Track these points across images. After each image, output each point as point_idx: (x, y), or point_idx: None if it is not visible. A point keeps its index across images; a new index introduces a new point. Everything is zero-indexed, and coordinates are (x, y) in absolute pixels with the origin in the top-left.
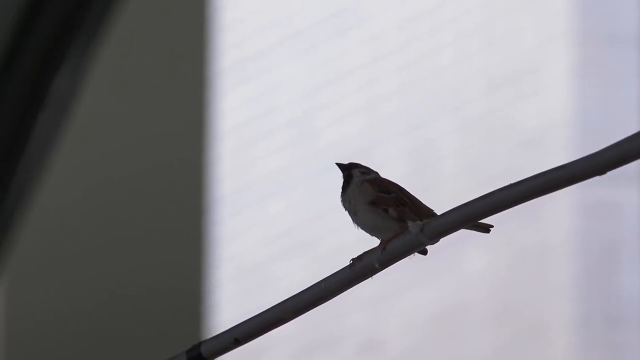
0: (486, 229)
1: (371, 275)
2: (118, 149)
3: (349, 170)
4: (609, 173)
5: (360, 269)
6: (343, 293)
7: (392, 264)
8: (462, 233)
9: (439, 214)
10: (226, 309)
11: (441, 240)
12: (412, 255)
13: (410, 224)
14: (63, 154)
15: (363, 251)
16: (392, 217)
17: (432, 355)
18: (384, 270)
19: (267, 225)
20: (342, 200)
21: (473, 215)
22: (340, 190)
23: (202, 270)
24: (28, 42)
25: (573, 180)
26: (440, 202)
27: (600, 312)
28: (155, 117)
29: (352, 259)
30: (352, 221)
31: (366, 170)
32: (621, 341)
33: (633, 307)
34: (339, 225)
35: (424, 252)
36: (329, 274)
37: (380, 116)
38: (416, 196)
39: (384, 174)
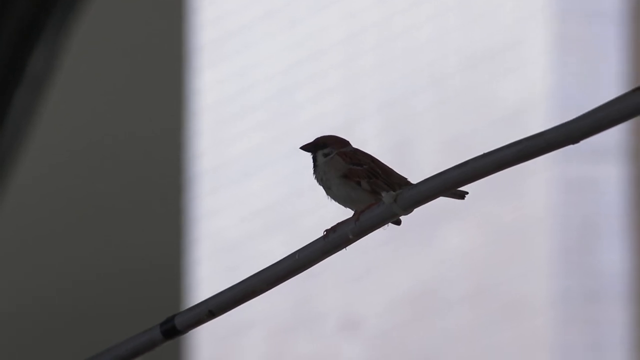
0: (461, 195)
1: (345, 246)
2: (95, 126)
3: (314, 154)
4: (589, 148)
5: (334, 240)
6: (323, 272)
7: (365, 235)
8: (441, 210)
9: (412, 183)
10: (205, 286)
11: (419, 217)
12: (386, 225)
13: (383, 194)
14: (41, 134)
15: (337, 222)
16: (365, 189)
17: (411, 332)
18: (362, 249)
19: (246, 202)
20: (315, 177)
21: (447, 185)
22: (313, 168)
23: (181, 247)
24: (4, 20)
25: (547, 148)
26: (419, 178)
27: (579, 288)
28: (133, 94)
29: (326, 230)
30: (326, 195)
31: (330, 151)
32: (600, 317)
33: (612, 282)
34: (317, 202)
35: (398, 223)
36: (303, 246)
37: (358, 93)
38: (390, 166)
39: (363, 149)
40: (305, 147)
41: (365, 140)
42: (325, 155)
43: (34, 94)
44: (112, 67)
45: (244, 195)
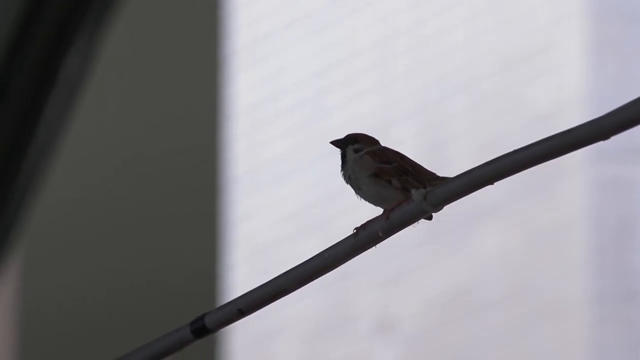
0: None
1: (375, 244)
2: (131, 132)
3: (343, 149)
4: (624, 148)
5: (364, 238)
6: (357, 273)
7: (395, 232)
8: (476, 211)
9: (442, 177)
10: (241, 289)
11: (454, 218)
12: (416, 223)
13: (413, 191)
14: (76, 139)
15: (367, 220)
16: (396, 187)
17: (447, 334)
18: (397, 251)
19: (280, 205)
20: (343, 176)
21: (477, 182)
22: (340, 167)
23: (217, 251)
24: (38, 23)
25: (577, 145)
26: None
27: (615, 288)
28: (168, 99)
29: (356, 228)
30: (356, 195)
31: (361, 147)
32: (637, 317)
33: None
34: (350, 205)
35: (430, 218)
36: (333, 244)
37: (391, 96)
38: (419, 163)
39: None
40: (335, 142)
41: (399, 143)
42: (356, 150)
43: (67, 98)
44: (147, 74)
45: (277, 199)
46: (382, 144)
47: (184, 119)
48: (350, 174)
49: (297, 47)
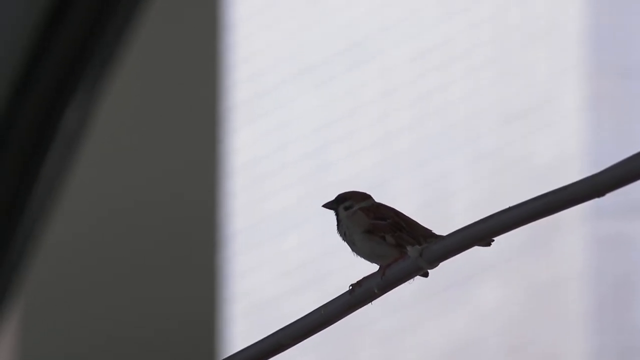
0: (487, 242)
1: (370, 301)
2: (132, 184)
3: (335, 209)
4: (623, 204)
5: (360, 295)
6: (358, 329)
7: (391, 289)
8: (476, 267)
9: (437, 234)
10: (240, 344)
11: (454, 274)
12: (412, 280)
13: (409, 248)
14: (76, 191)
15: (362, 277)
16: (390, 243)
17: None
18: (398, 305)
19: (280, 260)
20: (338, 232)
21: (472, 239)
22: (336, 225)
23: (216, 305)
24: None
25: (572, 202)
26: None
27: (614, 345)
28: (168, 153)
29: (352, 285)
30: (351, 251)
31: (351, 204)
32: None
33: None
34: (351, 260)
35: (425, 275)
36: (329, 300)
37: (392, 151)
38: (414, 219)
39: (397, 208)
40: (327, 205)
41: (399, 198)
42: (346, 208)
43: (67, 151)
44: (148, 127)
45: (277, 253)
46: (383, 198)
47: (184, 172)
48: (345, 231)
49: (298, 101)
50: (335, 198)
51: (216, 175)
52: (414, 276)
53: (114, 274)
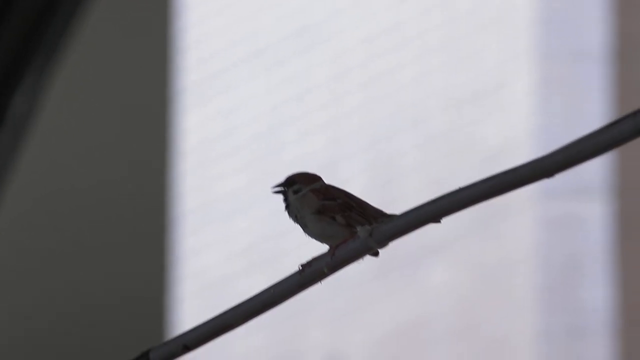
0: (437, 220)
1: (320, 280)
2: (83, 164)
3: (285, 193)
4: (572, 186)
5: (310, 274)
6: (307, 310)
7: (340, 269)
8: (424, 248)
9: (389, 214)
10: (189, 324)
11: (402, 255)
12: (361, 259)
13: (358, 228)
14: (26, 166)
15: (312, 257)
16: (340, 223)
17: None
18: (346, 286)
19: (230, 241)
20: (289, 216)
21: (422, 219)
22: (285, 208)
23: (166, 285)
24: None
25: (522, 182)
26: None
27: (563, 325)
28: (119, 134)
29: (301, 265)
30: (304, 233)
31: (299, 188)
32: (584, 354)
33: (596, 319)
34: (301, 241)
35: (376, 255)
36: (278, 280)
37: (342, 132)
38: (365, 200)
39: (347, 189)
40: (275, 188)
41: (349, 179)
42: (295, 192)
43: (16, 136)
44: (96, 108)
45: (227, 235)
46: (333, 179)
47: (134, 154)
48: (295, 214)
49: (249, 84)
50: (284, 181)
51: (166, 156)
52: (364, 256)
53: (61, 255)
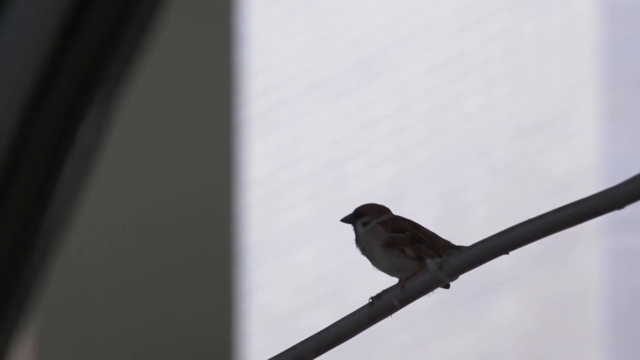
0: (505, 252)
1: (390, 314)
2: (147, 199)
3: (354, 224)
4: (638, 218)
5: (380, 307)
6: (376, 342)
7: (411, 302)
8: (493, 280)
9: (457, 245)
10: (256, 359)
11: (471, 287)
12: (432, 292)
13: (428, 261)
14: (91, 206)
15: (382, 290)
16: (410, 256)
17: None
18: (414, 318)
19: (295, 274)
20: (357, 247)
21: (492, 251)
22: (354, 239)
23: (232, 320)
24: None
25: (592, 214)
26: None
27: (631, 358)
28: (183, 168)
29: (371, 298)
30: (372, 266)
31: (368, 220)
32: None
33: None
34: (367, 273)
35: (447, 287)
36: (349, 313)
37: (408, 164)
38: (433, 231)
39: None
40: (345, 219)
41: (415, 211)
42: (364, 224)
43: (83, 165)
44: (163, 141)
45: (293, 267)
46: (399, 211)
47: (198, 187)
48: (364, 246)
49: (313, 115)
50: (353, 212)
51: (231, 189)
52: (434, 289)
53: (130, 290)
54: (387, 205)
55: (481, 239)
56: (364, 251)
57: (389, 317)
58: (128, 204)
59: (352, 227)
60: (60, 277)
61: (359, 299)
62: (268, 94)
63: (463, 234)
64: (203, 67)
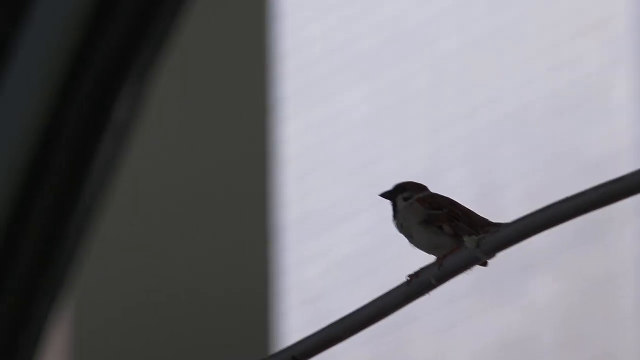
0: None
1: (428, 292)
2: (182, 177)
3: (393, 199)
4: None
5: (417, 286)
6: (411, 322)
7: (449, 280)
8: (528, 261)
9: (495, 223)
10: (293, 337)
11: (506, 267)
12: (470, 270)
13: (466, 239)
14: (125, 185)
15: (420, 268)
16: (448, 233)
17: None
18: (451, 297)
19: (332, 253)
20: (395, 226)
21: (530, 229)
22: (392, 216)
23: (269, 298)
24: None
25: (631, 192)
26: None
27: None
28: (218, 145)
29: (409, 276)
30: (409, 243)
31: (410, 195)
32: None
33: None
34: (403, 252)
35: (485, 265)
36: (386, 291)
37: (443, 142)
38: (470, 208)
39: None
40: (385, 194)
41: (450, 190)
42: (406, 199)
43: (118, 142)
44: (197, 119)
45: (329, 246)
46: (434, 190)
47: (234, 165)
48: (402, 223)
49: (348, 92)
50: (394, 188)
51: (267, 166)
52: (472, 267)
53: (167, 268)
54: (424, 184)
55: (517, 217)
56: (402, 228)
57: (427, 295)
58: (163, 182)
59: (392, 203)
60: (95, 260)
61: (393, 278)
62: (303, 71)
63: (497, 213)
64: (237, 45)
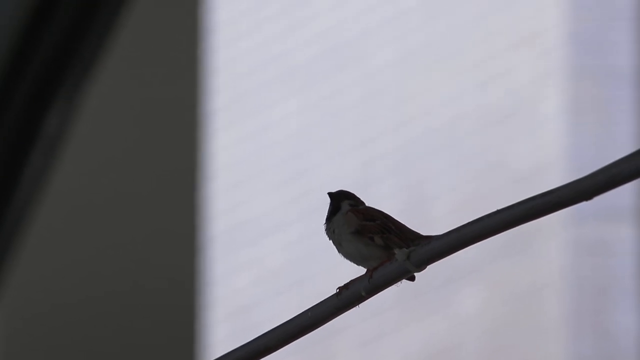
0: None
1: (358, 304)
2: (112, 187)
3: (339, 201)
4: (603, 210)
5: (347, 297)
6: (337, 333)
7: (378, 292)
8: (455, 271)
9: (425, 236)
10: (220, 349)
11: (433, 278)
12: (399, 282)
13: (396, 251)
14: (56, 196)
15: (350, 280)
16: (378, 244)
17: None
18: (377, 309)
19: (260, 264)
20: (326, 230)
21: (460, 242)
22: (325, 220)
23: (196, 310)
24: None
25: (560, 205)
26: None
27: (592, 351)
28: (148, 156)
29: (339, 288)
30: (337, 252)
31: (355, 203)
32: None
33: (626, 345)
34: (332, 263)
35: (412, 279)
36: (316, 303)
37: (373, 154)
38: (403, 222)
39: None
40: (332, 194)
41: (380, 201)
42: (352, 205)
43: (47, 155)
44: (125, 130)
45: (257, 257)
46: (364, 202)
47: (163, 177)
48: (334, 229)
49: (278, 105)
50: (338, 192)
51: (196, 178)
52: (402, 279)
53: (90, 278)
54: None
55: (446, 230)
56: (332, 234)
57: (356, 307)
58: (90, 196)
59: (333, 205)
60: (23, 274)
61: (323, 289)
62: (234, 84)
63: (427, 224)
64: (169, 58)
